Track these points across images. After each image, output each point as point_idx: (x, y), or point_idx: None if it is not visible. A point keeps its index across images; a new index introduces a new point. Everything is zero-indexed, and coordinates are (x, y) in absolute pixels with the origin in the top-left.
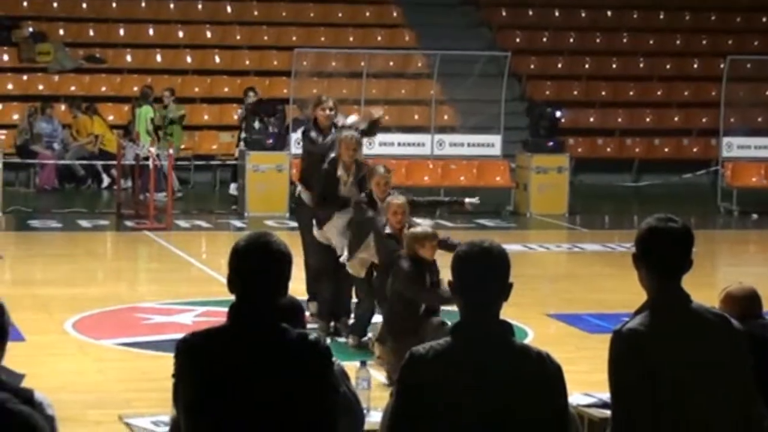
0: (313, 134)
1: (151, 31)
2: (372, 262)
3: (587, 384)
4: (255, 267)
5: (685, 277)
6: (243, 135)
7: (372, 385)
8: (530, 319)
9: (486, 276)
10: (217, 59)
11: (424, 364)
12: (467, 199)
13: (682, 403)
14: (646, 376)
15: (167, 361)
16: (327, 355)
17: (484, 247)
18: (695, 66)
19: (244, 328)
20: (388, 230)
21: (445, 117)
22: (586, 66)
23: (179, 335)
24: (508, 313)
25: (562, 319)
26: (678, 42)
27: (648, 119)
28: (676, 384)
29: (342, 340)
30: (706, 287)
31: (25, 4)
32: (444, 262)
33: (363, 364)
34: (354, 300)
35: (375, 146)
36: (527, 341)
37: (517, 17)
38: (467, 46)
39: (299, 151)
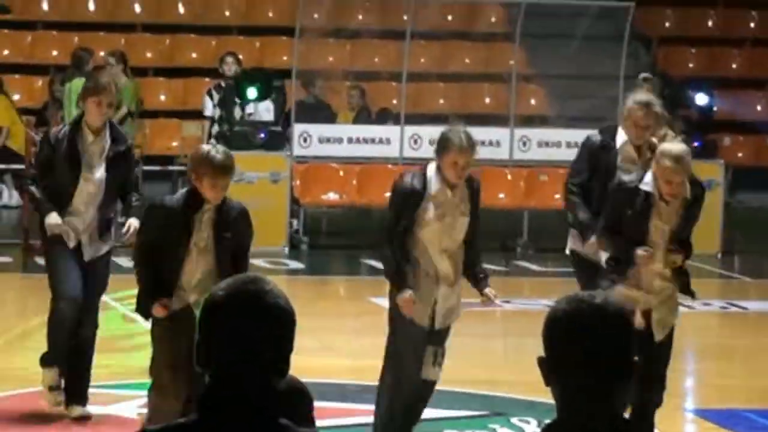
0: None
1: None
2: None
3: None
4: (239, 330)
5: None
6: (218, 127)
7: None
8: (662, 416)
9: (598, 349)
10: (181, 8)
11: None
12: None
13: None
14: None
15: None
16: None
17: (595, 305)
18: None
19: (220, 423)
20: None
21: (532, 101)
22: (752, 24)
23: None
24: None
25: (712, 417)
26: None
27: None
28: None
29: None
30: None
31: None
32: None
33: None
34: None
35: (423, 144)
36: None
37: None
38: None
39: (306, 151)
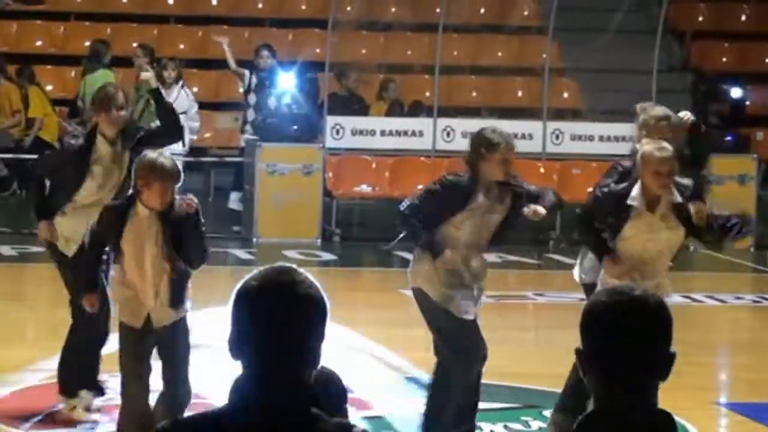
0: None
1: None
2: None
3: None
4: (272, 320)
5: None
6: (251, 117)
7: None
8: (694, 409)
9: (637, 341)
10: (214, 0)
11: None
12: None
13: None
14: None
15: None
16: None
17: (635, 298)
18: None
19: (253, 413)
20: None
21: (565, 95)
22: None
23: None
24: (661, 399)
25: (743, 410)
26: None
27: None
28: None
29: None
30: None
31: None
32: None
33: None
34: None
35: (456, 137)
36: None
37: None
38: None
39: (338, 144)
